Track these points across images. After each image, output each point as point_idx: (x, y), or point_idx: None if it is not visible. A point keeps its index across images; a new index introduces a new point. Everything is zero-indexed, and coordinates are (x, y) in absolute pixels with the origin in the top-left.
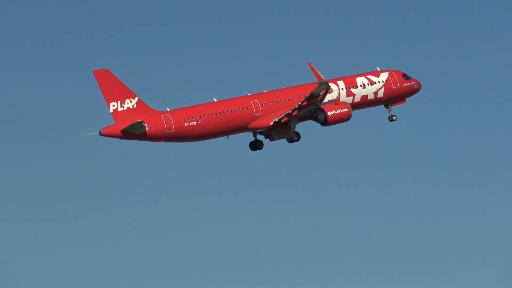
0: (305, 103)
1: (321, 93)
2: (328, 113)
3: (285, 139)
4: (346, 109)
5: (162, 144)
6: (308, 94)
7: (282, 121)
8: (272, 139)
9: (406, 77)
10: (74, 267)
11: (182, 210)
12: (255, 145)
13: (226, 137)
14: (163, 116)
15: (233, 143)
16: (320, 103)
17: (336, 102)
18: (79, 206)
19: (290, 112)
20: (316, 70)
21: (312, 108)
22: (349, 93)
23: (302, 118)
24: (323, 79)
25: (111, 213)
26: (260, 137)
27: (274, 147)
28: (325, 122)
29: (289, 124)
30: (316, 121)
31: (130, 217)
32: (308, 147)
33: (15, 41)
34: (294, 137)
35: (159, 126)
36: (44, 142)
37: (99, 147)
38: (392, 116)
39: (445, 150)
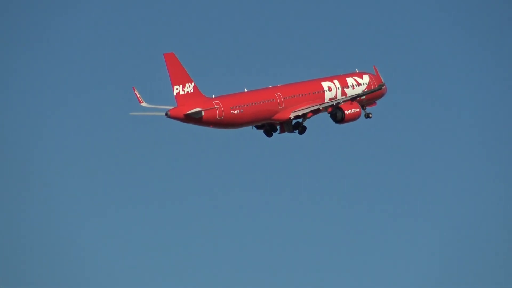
0: (349, 101)
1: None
2: (346, 111)
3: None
4: (358, 109)
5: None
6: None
7: (308, 116)
8: (282, 131)
9: None
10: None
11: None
12: (270, 130)
13: (251, 126)
14: (214, 103)
15: (242, 132)
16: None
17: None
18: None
19: (320, 108)
20: (379, 73)
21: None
22: (343, 93)
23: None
24: (382, 82)
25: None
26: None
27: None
28: (341, 120)
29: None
30: (333, 118)
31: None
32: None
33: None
34: (302, 132)
35: (213, 112)
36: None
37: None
38: (368, 113)
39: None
